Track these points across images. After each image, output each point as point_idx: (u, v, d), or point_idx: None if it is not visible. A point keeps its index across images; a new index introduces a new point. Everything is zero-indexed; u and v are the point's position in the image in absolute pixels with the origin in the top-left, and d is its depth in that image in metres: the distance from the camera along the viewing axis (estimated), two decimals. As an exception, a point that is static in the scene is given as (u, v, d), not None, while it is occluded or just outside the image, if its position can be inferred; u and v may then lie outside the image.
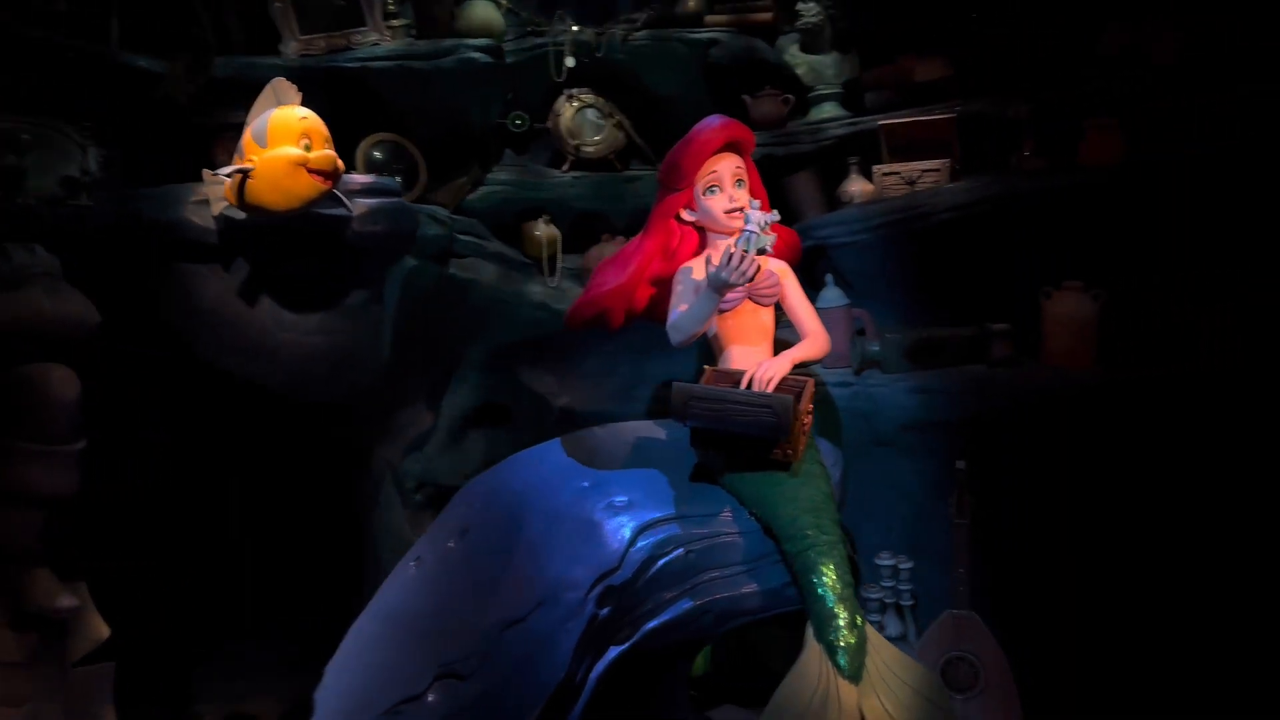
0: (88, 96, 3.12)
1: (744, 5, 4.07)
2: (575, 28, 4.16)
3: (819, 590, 2.12)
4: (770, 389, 2.29)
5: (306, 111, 2.64)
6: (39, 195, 2.54)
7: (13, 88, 2.63)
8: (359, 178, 2.91)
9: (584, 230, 4.36)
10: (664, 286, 2.61)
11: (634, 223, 4.38)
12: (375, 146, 3.82)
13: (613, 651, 2.17)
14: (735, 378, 2.36)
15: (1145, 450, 2.86)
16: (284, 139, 2.55)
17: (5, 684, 2.02)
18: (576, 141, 4.29)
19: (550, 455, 2.63)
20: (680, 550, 2.28)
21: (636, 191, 4.37)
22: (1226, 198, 3.06)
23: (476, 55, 3.84)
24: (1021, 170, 3.20)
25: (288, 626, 3.21)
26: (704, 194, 2.48)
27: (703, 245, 2.58)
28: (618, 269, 2.61)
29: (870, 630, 2.13)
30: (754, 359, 2.46)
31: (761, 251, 2.20)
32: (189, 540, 3.06)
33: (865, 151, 3.58)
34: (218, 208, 2.65)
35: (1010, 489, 2.97)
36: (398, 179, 3.51)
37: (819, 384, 2.97)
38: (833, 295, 3.31)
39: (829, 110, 3.83)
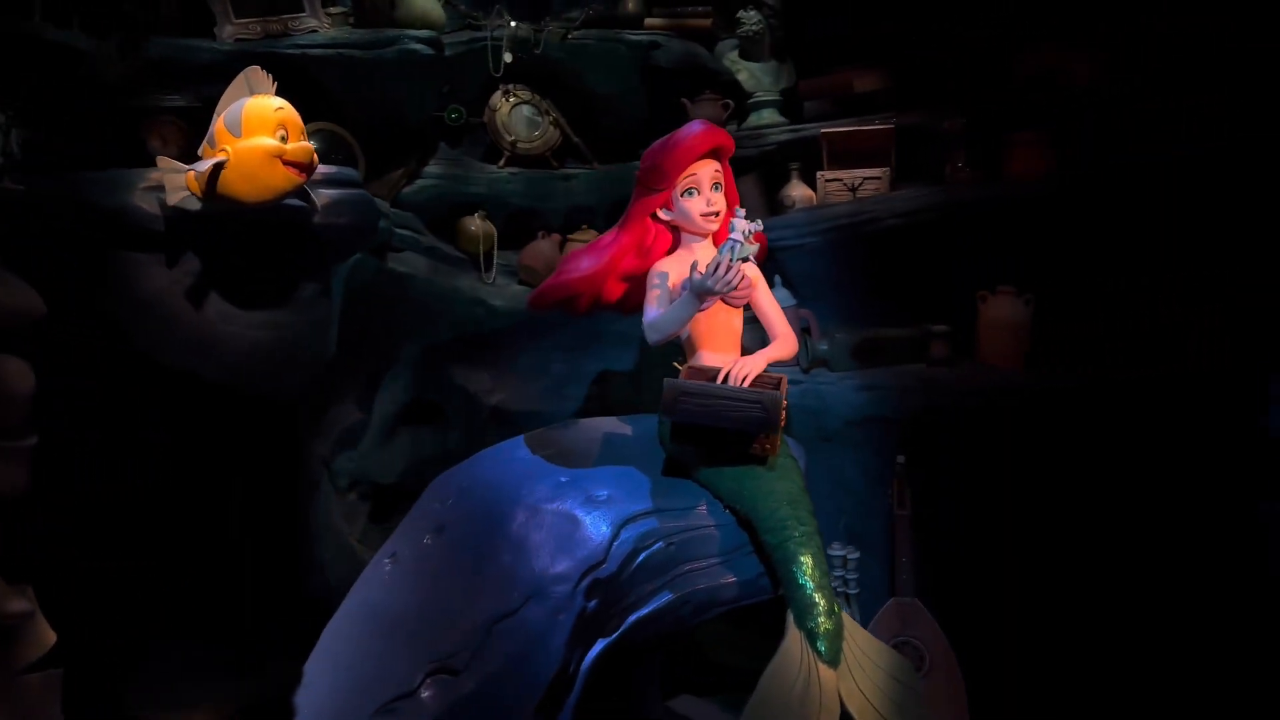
0: (9, 74, 2.96)
1: (683, 10, 4.15)
2: (513, 23, 4.15)
3: (799, 579, 2.20)
4: (747, 385, 2.36)
5: (282, 102, 2.57)
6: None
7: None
8: (320, 167, 2.84)
9: (519, 227, 4.36)
10: (634, 281, 2.65)
11: (570, 220, 4.41)
12: (313, 136, 3.71)
13: (600, 643, 2.20)
14: (712, 374, 2.43)
15: (1070, 445, 3.07)
16: (259, 129, 2.47)
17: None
18: (513, 138, 4.28)
19: (521, 451, 2.64)
20: (661, 543, 2.33)
21: (572, 189, 4.40)
22: (1140, 210, 3.31)
23: (418, 47, 3.79)
24: (955, 181, 3.39)
25: (226, 628, 3.10)
26: (682, 196, 2.52)
27: (676, 244, 2.63)
28: (591, 257, 2.64)
29: (845, 617, 2.23)
30: (725, 358, 2.53)
31: (744, 259, 2.27)
32: (121, 539, 2.92)
33: (805, 158, 3.71)
34: (176, 197, 2.55)
35: (948, 482, 3.13)
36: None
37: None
38: (780, 296, 3.42)
39: (768, 117, 3.94)
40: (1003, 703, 2.91)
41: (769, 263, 3.57)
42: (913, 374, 3.21)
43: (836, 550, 3.09)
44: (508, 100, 4.28)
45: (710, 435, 2.37)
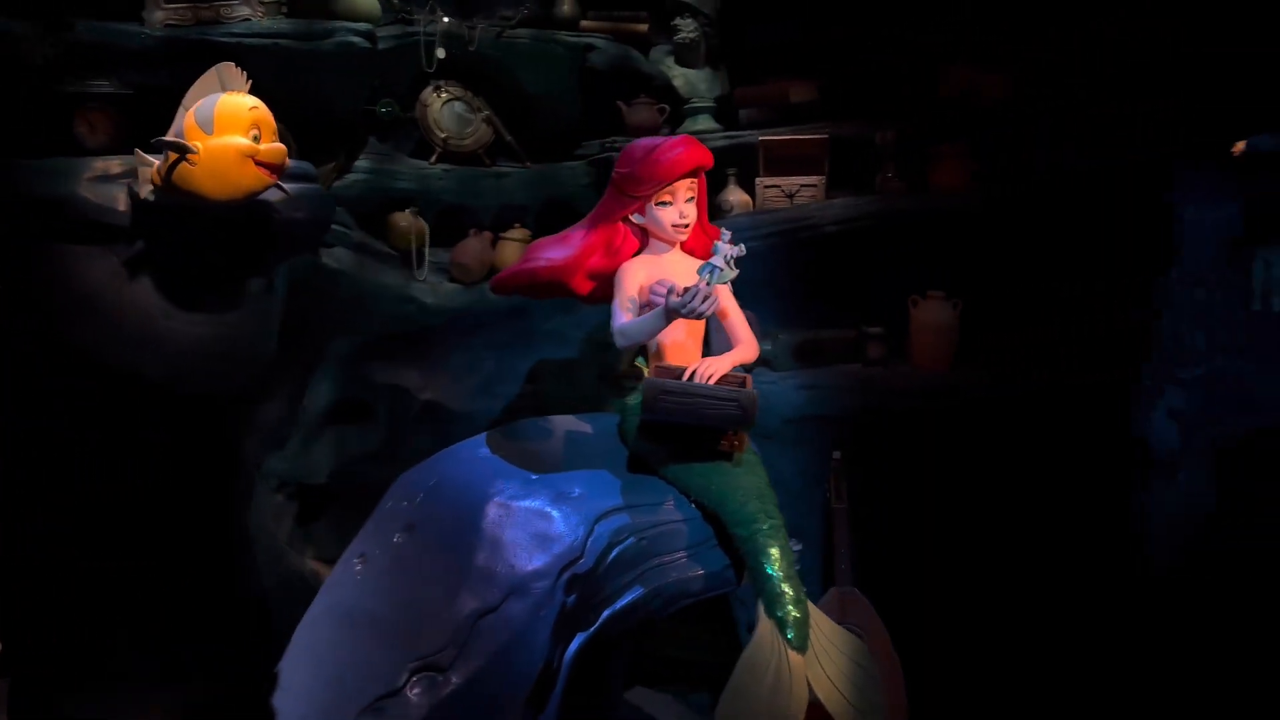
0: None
1: (620, 15, 4.20)
2: (445, 19, 4.13)
3: (768, 570, 2.30)
4: (712, 383, 2.45)
5: (256, 101, 2.51)
6: None
7: None
8: (277, 160, 2.78)
9: (450, 224, 4.34)
10: (600, 277, 2.71)
11: (502, 219, 4.41)
12: (248, 127, 3.63)
13: (580, 637, 2.25)
14: (678, 373, 2.50)
15: (990, 443, 3.28)
16: (232, 128, 2.41)
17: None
18: (444, 134, 4.26)
19: (484, 450, 2.66)
20: (633, 539, 2.39)
21: (505, 188, 4.40)
22: (1045, 221, 3.56)
23: (356, 40, 3.75)
24: (885, 190, 3.57)
25: (162, 635, 3.01)
26: (656, 204, 2.58)
27: (643, 246, 2.69)
28: (560, 250, 2.69)
29: (811, 605, 2.34)
30: (689, 357, 2.62)
31: (723, 283, 2.32)
32: (56, 543, 2.81)
33: (741, 164, 3.82)
34: (147, 189, 2.47)
35: (882, 477, 3.30)
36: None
37: None
38: (721, 297, 3.52)
39: (703, 123, 4.04)
40: (937, 684, 3.09)
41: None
42: (850, 374, 3.37)
43: (781, 543, 3.20)
44: (439, 96, 4.26)
45: (682, 432, 2.45)
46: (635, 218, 2.63)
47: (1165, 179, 3.56)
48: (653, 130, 4.11)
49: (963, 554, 3.22)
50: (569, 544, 2.30)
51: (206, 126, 2.41)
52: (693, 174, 2.60)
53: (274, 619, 3.32)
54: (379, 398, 4.23)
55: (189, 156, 2.35)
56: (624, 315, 2.53)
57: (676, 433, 2.48)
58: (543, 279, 2.69)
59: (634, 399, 2.67)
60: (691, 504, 2.51)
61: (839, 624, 3.07)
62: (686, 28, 4.02)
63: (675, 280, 2.57)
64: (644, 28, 4.18)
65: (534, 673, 2.12)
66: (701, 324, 2.69)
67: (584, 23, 4.21)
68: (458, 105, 4.30)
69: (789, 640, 2.23)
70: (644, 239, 2.71)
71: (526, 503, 2.39)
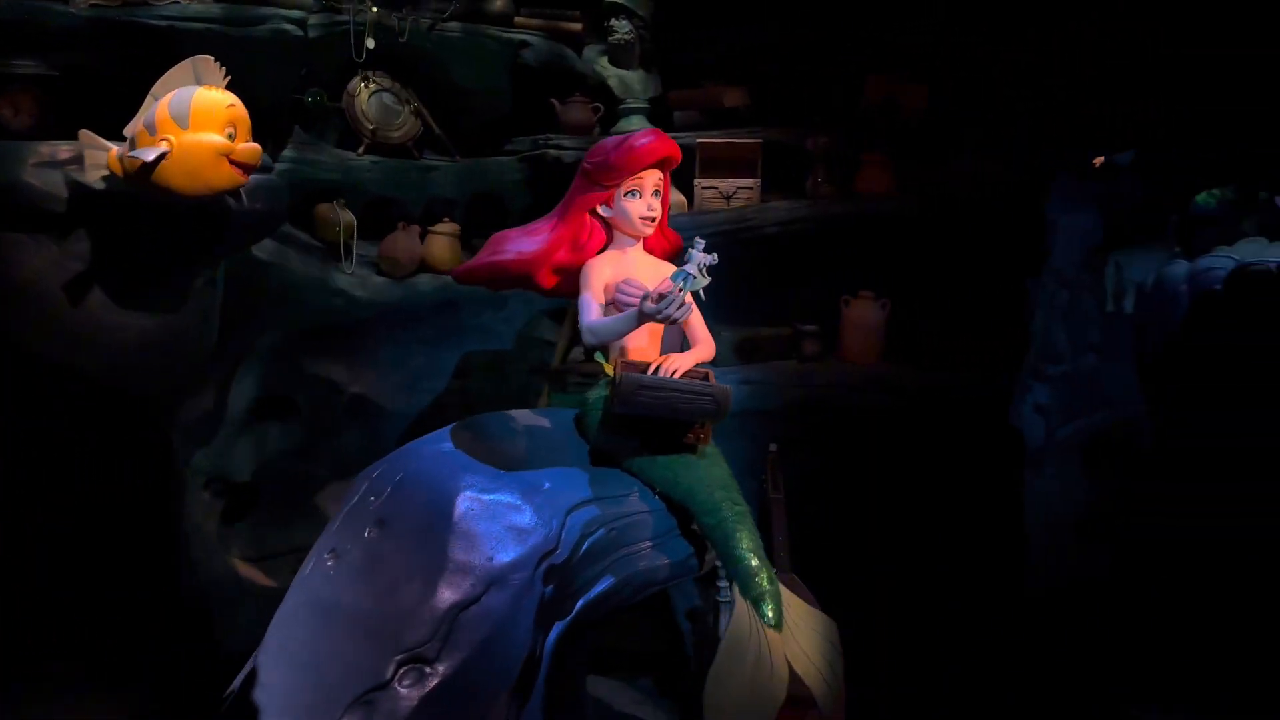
0: None
1: (554, 13, 4.24)
2: (376, 9, 4.08)
3: (739, 553, 2.39)
4: (677, 378, 2.53)
5: (234, 98, 2.45)
6: None
7: None
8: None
9: (377, 216, 4.30)
10: (564, 272, 2.74)
11: (430, 212, 4.40)
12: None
13: (558, 626, 2.30)
14: (642, 368, 2.58)
15: (915, 433, 3.50)
16: (208, 124, 2.35)
17: None
18: (373, 125, 4.21)
19: (448, 445, 2.64)
20: (603, 530, 2.45)
21: (433, 181, 4.39)
22: (967, 227, 3.80)
23: (289, 27, 3.70)
24: (816, 195, 3.73)
25: (102, 638, 2.91)
26: (624, 196, 2.63)
27: (608, 241, 2.74)
28: (526, 243, 2.70)
29: (780, 585, 2.45)
30: (648, 354, 2.69)
31: (694, 292, 2.38)
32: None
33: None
34: (95, 174, 2.37)
35: (816, 466, 3.46)
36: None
37: None
38: (663, 295, 3.62)
39: (636, 123, 4.11)
40: (874, 666, 3.27)
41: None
42: (786, 369, 3.52)
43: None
44: (367, 87, 4.21)
45: (647, 427, 2.52)
46: (603, 210, 2.68)
47: (1045, 189, 3.85)
48: (587, 129, 4.18)
49: (890, 537, 3.41)
50: (544, 536, 2.33)
51: (181, 121, 2.33)
52: (661, 166, 2.66)
53: (212, 620, 3.25)
54: (304, 393, 4.17)
55: (163, 154, 2.28)
56: (595, 312, 2.57)
57: (642, 427, 2.55)
58: (510, 272, 2.71)
59: (595, 394, 2.72)
60: (656, 496, 2.58)
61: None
62: (621, 29, 4.09)
63: (641, 279, 2.65)
64: (578, 27, 4.24)
65: (519, 662, 2.15)
66: (657, 329, 2.75)
67: (517, 19, 4.23)
68: (386, 96, 4.25)
69: (765, 618, 2.31)
70: (610, 235, 2.75)
71: (499, 496, 2.40)
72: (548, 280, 2.79)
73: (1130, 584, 3.91)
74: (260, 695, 2.15)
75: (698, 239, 2.39)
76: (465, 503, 2.39)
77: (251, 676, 2.21)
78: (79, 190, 2.43)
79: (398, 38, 4.08)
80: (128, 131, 2.45)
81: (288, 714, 2.09)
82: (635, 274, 2.67)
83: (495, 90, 4.27)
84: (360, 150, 4.22)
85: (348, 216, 4.14)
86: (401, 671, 2.10)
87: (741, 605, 2.32)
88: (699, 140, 3.78)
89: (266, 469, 4.00)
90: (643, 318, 2.37)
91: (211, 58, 2.54)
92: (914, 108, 4.03)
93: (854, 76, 4.01)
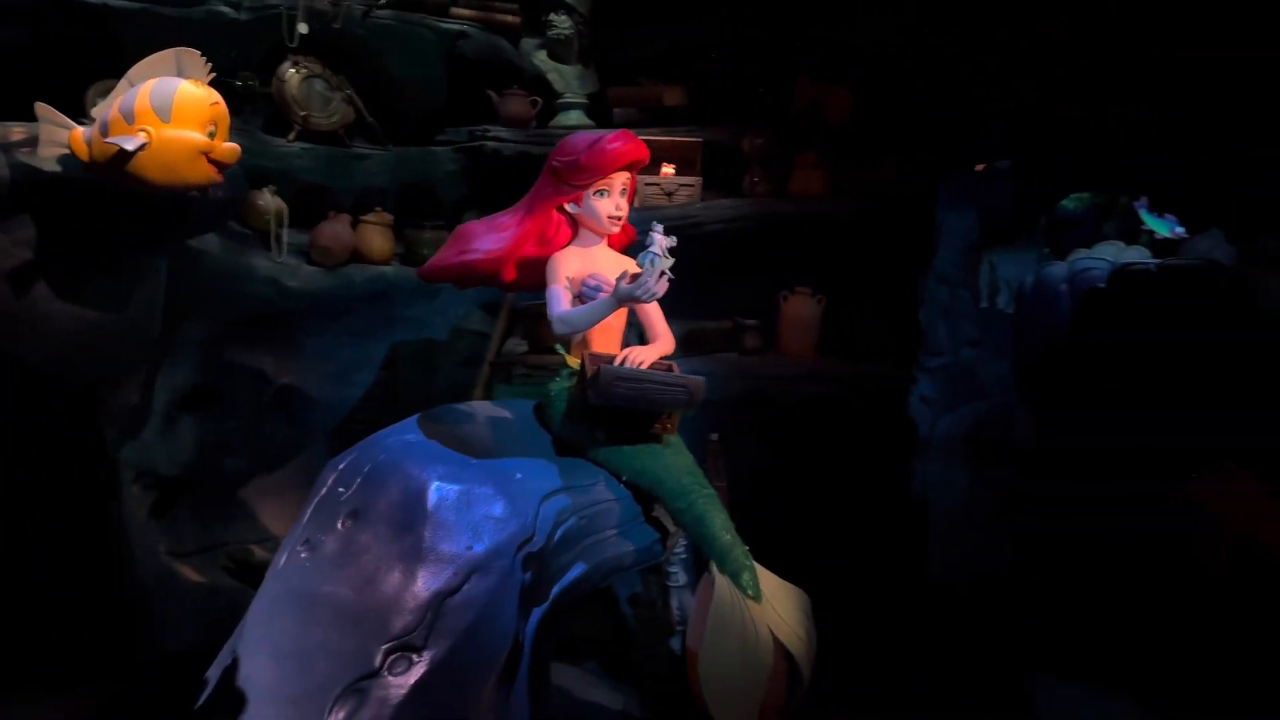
0: None
1: (492, 4, 4.24)
2: (309, -6, 4.01)
3: (713, 532, 2.49)
4: (644, 369, 2.61)
5: (217, 96, 2.39)
6: None
7: None
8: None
9: (308, 204, 4.22)
10: (529, 266, 2.78)
11: (361, 201, 4.34)
12: (105, 94, 3.36)
13: (537, 612, 2.35)
14: (608, 360, 2.64)
15: (851, 421, 3.68)
16: (190, 121, 2.29)
17: None
18: (304, 111, 4.14)
19: (414, 435, 2.66)
20: (574, 518, 2.51)
21: (366, 170, 4.34)
22: (889, 227, 4.01)
23: (225, 9, 3.61)
24: (752, 194, 3.87)
25: (42, 637, 2.81)
26: (593, 195, 2.68)
27: (574, 236, 2.79)
28: (493, 239, 2.72)
29: (753, 560, 2.55)
30: (610, 347, 2.76)
31: (661, 273, 2.46)
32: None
33: (615, 160, 3.98)
34: (51, 152, 2.28)
35: (756, 454, 3.60)
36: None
37: None
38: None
39: (575, 118, 4.17)
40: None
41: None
42: (728, 362, 3.64)
43: (668, 520, 3.42)
44: (297, 72, 4.13)
45: (617, 417, 2.59)
46: (571, 207, 2.72)
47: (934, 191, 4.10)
48: (524, 122, 4.20)
49: (833, 520, 3.58)
50: (521, 524, 2.38)
51: (163, 114, 2.27)
52: (629, 167, 2.72)
53: (152, 617, 3.16)
54: (233, 383, 4.07)
55: (141, 145, 2.22)
56: (565, 302, 2.61)
57: (608, 418, 2.62)
58: (479, 271, 2.73)
59: (557, 385, 2.78)
60: (622, 484, 2.66)
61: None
62: (561, 24, 4.13)
63: (605, 273, 2.71)
64: (515, 20, 4.25)
65: (505, 648, 2.19)
66: (622, 319, 2.83)
67: (454, 9, 4.22)
68: (317, 83, 4.19)
69: (745, 590, 2.41)
70: (575, 230, 2.80)
71: (473, 486, 2.43)
72: (510, 274, 2.82)
73: (1025, 570, 4.21)
74: (245, 686, 2.12)
75: (656, 223, 2.45)
76: (440, 492, 2.41)
77: (232, 667, 2.18)
78: (28, 174, 2.33)
79: (331, 23, 4.02)
80: (96, 113, 2.37)
81: (276, 705, 2.08)
82: (599, 268, 2.73)
83: (430, 80, 4.25)
84: (291, 136, 4.14)
85: (279, 203, 4.05)
86: (390, 660, 2.12)
87: (722, 581, 2.42)
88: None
89: (193, 462, 3.89)
90: (619, 300, 2.43)
91: (198, 51, 2.47)
92: (840, 111, 4.22)
93: (786, 79, 4.17)
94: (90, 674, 2.86)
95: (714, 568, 2.44)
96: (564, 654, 3.43)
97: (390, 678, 2.11)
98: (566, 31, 4.15)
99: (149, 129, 2.24)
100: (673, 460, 2.63)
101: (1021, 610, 4.01)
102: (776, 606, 2.44)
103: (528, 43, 4.33)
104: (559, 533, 2.47)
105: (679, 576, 3.46)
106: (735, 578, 2.41)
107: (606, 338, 2.80)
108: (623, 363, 2.61)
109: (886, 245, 4.08)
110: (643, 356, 2.65)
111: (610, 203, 2.70)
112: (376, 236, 4.28)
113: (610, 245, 2.91)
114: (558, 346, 2.94)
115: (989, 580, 4.41)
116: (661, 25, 4.20)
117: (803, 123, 4.14)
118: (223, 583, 3.78)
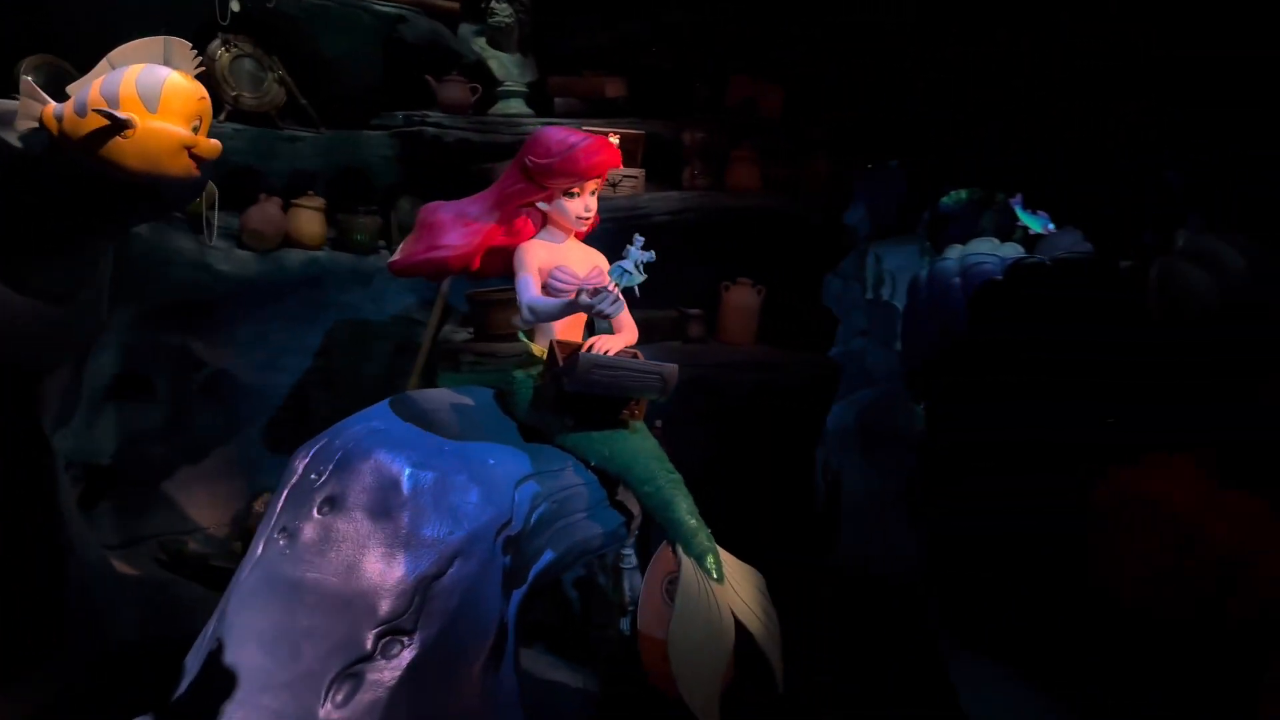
0: None
1: (430, -11, 4.22)
2: (242, -29, 3.92)
3: (679, 516, 2.58)
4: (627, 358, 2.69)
5: (204, 90, 2.32)
6: None
7: None
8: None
9: (238, 186, 4.12)
10: (496, 254, 2.82)
11: (293, 184, 4.26)
12: (35, 70, 3.23)
13: (517, 594, 2.41)
14: (575, 348, 2.71)
15: (786, 405, 3.84)
16: (177, 114, 2.21)
17: None
18: (235, 91, 4.04)
19: (382, 423, 2.68)
20: (546, 502, 2.57)
21: (297, 152, 4.26)
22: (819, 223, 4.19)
23: (159, -16, 3.46)
24: (692, 187, 3.98)
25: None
26: (564, 195, 2.73)
27: (541, 227, 2.83)
28: (461, 233, 2.75)
29: (715, 543, 2.66)
30: (574, 335, 2.83)
31: (628, 289, 2.51)
32: None
33: (557, 149, 4.03)
34: (25, 124, 2.20)
35: (701, 439, 3.72)
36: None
37: None
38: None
39: (515, 106, 4.18)
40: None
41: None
42: (673, 349, 3.74)
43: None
44: (228, 51, 4.03)
45: (585, 403, 2.66)
46: (541, 205, 2.77)
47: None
48: (463, 108, 4.19)
49: (773, 496, 3.74)
50: (498, 509, 2.43)
51: (150, 104, 2.19)
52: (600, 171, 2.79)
53: (98, 611, 3.07)
54: (162, 371, 3.96)
55: (125, 132, 2.15)
56: (534, 289, 2.66)
57: (576, 404, 2.69)
58: (450, 265, 2.77)
59: (522, 373, 2.83)
60: (590, 470, 2.73)
61: (671, 573, 3.49)
62: (502, 12, 4.14)
63: (572, 265, 2.78)
64: (455, 5, 4.24)
65: (492, 629, 2.25)
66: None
67: (392, -7, 4.17)
68: (247, 62, 4.10)
69: (709, 572, 2.50)
70: (541, 221, 2.85)
71: (448, 472, 2.46)
72: (476, 264, 2.85)
73: (931, 554, 4.48)
74: (233, 673, 2.12)
75: (637, 236, 2.49)
76: (415, 479, 2.45)
77: (216, 654, 2.17)
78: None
79: (265, 2, 3.93)
80: (71, 90, 2.28)
81: (270, 691, 2.09)
82: (567, 260, 2.79)
83: (366, 63, 4.21)
84: (221, 117, 4.03)
85: (210, 186, 3.93)
86: (382, 644, 2.16)
87: (688, 564, 2.51)
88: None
89: (123, 451, 3.78)
90: (576, 308, 2.48)
91: (188, 43, 2.40)
92: (772, 108, 4.37)
93: (722, 75, 4.29)
94: (33, 669, 2.76)
95: (680, 551, 2.52)
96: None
97: (384, 660, 2.14)
98: (507, 20, 4.16)
99: (134, 117, 2.18)
100: (640, 445, 2.71)
101: (932, 591, 4.27)
102: (737, 588, 2.53)
103: (466, 29, 4.32)
104: (534, 517, 2.53)
105: (631, 558, 3.55)
106: (700, 560, 2.49)
107: (567, 325, 2.87)
108: (589, 350, 2.68)
109: (814, 238, 4.26)
110: (609, 345, 2.72)
111: (580, 203, 2.76)
112: (309, 220, 4.21)
113: (575, 236, 2.97)
114: (520, 335, 2.99)
115: (896, 562, 4.68)
116: (601, 17, 4.26)
117: (737, 118, 4.27)
118: (154, 575, 3.69)
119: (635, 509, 2.82)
